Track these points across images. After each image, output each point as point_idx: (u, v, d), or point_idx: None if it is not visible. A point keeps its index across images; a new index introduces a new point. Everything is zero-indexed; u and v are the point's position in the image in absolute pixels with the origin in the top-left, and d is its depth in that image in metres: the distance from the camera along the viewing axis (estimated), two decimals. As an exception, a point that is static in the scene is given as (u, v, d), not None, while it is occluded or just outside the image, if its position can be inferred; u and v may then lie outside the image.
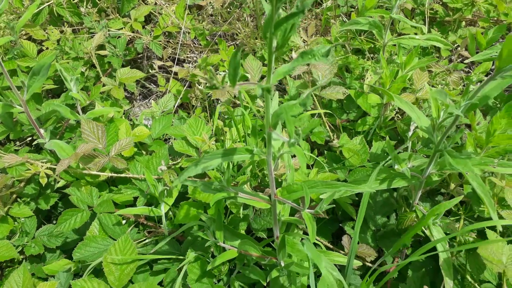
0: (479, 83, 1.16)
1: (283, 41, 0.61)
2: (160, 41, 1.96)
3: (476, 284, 1.17)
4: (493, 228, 1.13)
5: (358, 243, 1.27)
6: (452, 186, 1.33)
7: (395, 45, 1.67)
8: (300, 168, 1.22)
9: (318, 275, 1.22)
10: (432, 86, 1.69)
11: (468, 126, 1.65)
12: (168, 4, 2.10)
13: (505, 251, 1.04)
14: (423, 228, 1.26)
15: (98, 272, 1.23)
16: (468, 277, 1.17)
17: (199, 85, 1.65)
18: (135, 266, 1.11)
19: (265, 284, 1.18)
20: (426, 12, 2.05)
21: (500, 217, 1.11)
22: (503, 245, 1.05)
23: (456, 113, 0.82)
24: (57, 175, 1.33)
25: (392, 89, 1.33)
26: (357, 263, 1.14)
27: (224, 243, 1.13)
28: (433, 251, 1.16)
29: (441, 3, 2.14)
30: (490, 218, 1.16)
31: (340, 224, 1.34)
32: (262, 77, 1.63)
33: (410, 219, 1.23)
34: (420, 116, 1.01)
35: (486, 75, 1.71)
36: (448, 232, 1.20)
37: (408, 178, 1.07)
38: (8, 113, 1.55)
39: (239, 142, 1.32)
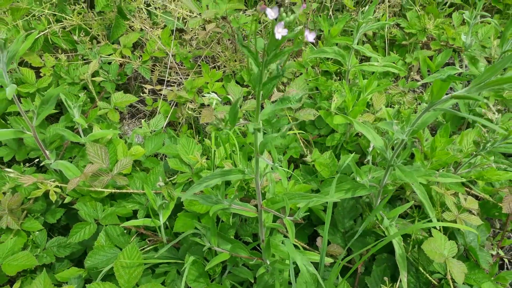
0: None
1: (267, 93, 0.82)
2: (148, 65, 2.15)
3: (427, 275, 1.41)
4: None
5: (330, 243, 1.49)
6: (407, 193, 1.58)
7: (358, 68, 1.91)
8: (280, 181, 1.44)
9: (297, 272, 1.44)
10: (391, 105, 1.95)
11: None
12: (153, 28, 2.29)
13: (447, 245, 1.28)
14: (384, 229, 1.49)
15: (106, 278, 1.40)
16: (421, 268, 1.41)
17: (186, 108, 1.85)
18: (142, 269, 1.30)
19: (252, 281, 1.38)
20: (386, 36, 2.32)
21: (443, 219, 1.35)
22: (445, 241, 1.29)
23: (401, 138, 1.06)
24: (65, 193, 1.49)
25: (354, 112, 1.57)
26: (328, 260, 1.36)
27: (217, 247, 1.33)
28: (393, 250, 1.40)
29: (398, 28, 2.42)
30: (438, 219, 1.42)
31: (315, 228, 1.56)
32: (244, 99, 1.85)
33: (372, 221, 1.46)
34: (376, 137, 1.24)
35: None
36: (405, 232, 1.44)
37: (367, 188, 1.30)
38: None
39: (226, 159, 1.52)
